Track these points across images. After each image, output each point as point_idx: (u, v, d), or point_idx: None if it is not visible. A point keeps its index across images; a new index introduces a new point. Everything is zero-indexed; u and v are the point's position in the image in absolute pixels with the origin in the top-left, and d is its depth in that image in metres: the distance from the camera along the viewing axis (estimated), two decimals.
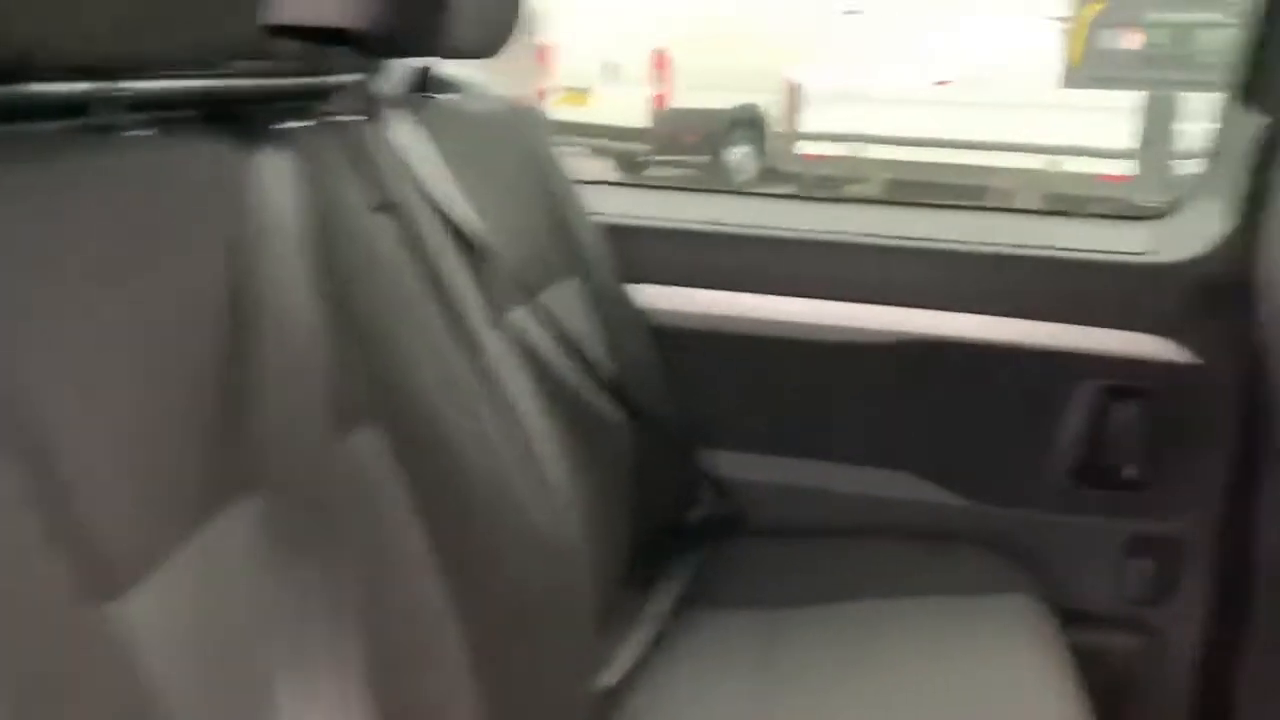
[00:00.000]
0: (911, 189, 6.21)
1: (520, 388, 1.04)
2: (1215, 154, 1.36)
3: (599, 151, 7.44)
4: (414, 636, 0.76)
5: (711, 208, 1.47)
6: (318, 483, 0.62)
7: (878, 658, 1.13)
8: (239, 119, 0.78)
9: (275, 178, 0.73)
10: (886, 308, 1.38)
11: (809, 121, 7.00)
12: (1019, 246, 1.36)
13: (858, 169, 6.77)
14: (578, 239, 1.30)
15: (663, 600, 1.23)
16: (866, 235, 1.40)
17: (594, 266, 1.32)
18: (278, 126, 0.80)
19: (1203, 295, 1.27)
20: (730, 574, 1.33)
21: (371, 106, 1.00)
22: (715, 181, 7.59)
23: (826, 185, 6.82)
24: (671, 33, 7.58)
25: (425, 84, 1.19)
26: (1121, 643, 1.38)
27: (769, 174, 7.52)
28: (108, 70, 0.67)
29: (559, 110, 7.42)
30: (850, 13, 8.83)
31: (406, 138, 1.01)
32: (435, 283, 0.90)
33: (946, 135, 6.39)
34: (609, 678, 1.06)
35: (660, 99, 7.64)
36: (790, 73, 7.23)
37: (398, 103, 1.07)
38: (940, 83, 7.16)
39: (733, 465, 1.45)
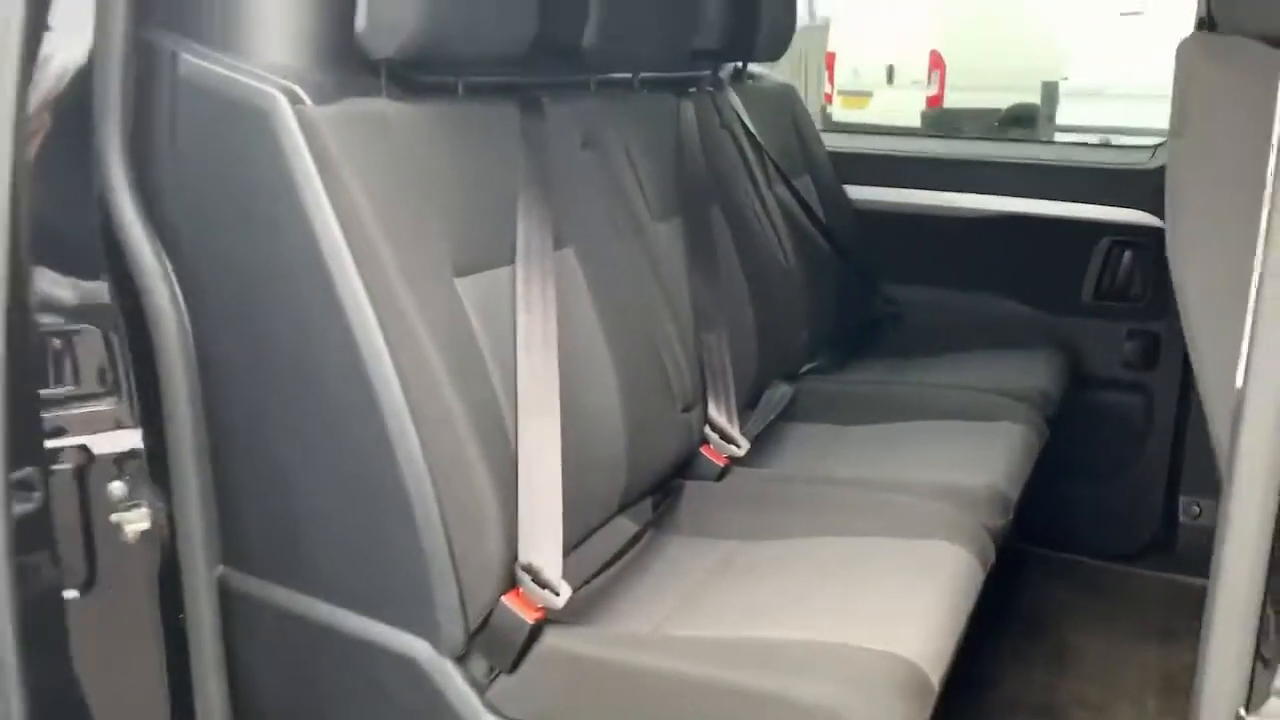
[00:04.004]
0: None
1: (783, 228, 2.24)
2: None
3: None
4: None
5: (897, 143, 2.60)
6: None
7: (932, 366, 2.24)
8: (674, 85, 2.02)
9: (687, 113, 1.97)
10: (991, 196, 2.45)
11: (1069, 115, 7.72)
12: (1070, 162, 2.41)
13: None
14: (814, 154, 2.49)
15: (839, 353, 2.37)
16: (979, 156, 2.49)
17: (822, 170, 2.49)
18: (690, 90, 2.04)
19: None
20: (880, 341, 2.46)
21: (719, 84, 2.23)
22: None
23: None
24: (945, 35, 8.42)
25: (742, 74, 2.41)
26: (1123, 399, 2.38)
27: None
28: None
29: (843, 112, 8.47)
30: (1129, 14, 9.27)
31: (735, 101, 2.23)
32: (737, 162, 2.11)
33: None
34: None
35: (933, 100, 8.53)
36: (1055, 72, 7.93)
37: (731, 82, 2.29)
38: None
39: (898, 291, 2.58)
